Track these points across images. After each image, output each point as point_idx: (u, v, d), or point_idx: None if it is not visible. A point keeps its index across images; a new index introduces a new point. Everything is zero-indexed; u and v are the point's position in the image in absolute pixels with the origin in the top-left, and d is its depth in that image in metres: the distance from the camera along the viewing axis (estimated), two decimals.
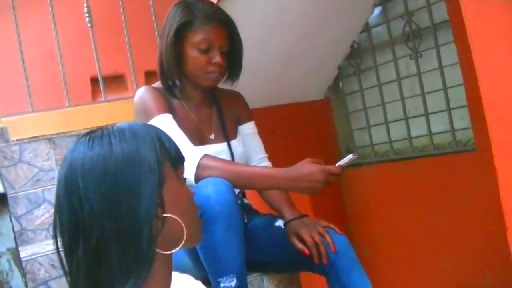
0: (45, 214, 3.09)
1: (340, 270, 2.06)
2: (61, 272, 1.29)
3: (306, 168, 2.02)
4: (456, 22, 3.15)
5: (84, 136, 1.19)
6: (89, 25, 3.72)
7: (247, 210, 2.35)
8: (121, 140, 1.15)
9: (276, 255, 2.25)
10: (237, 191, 2.22)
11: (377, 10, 3.73)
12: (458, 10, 3.08)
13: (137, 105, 2.25)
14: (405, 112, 3.65)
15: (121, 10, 3.86)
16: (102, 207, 1.10)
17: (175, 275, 1.26)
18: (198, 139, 2.23)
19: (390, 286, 3.61)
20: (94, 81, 4.30)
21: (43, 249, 2.69)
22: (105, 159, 1.12)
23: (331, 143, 4.11)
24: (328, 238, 2.09)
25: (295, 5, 3.29)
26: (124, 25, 3.84)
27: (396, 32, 3.63)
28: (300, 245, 2.10)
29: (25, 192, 3.10)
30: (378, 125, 3.87)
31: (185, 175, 1.26)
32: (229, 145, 2.31)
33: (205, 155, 2.08)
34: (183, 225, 1.17)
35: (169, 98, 2.27)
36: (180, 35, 2.22)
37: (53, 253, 2.60)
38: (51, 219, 3.02)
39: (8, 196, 2.88)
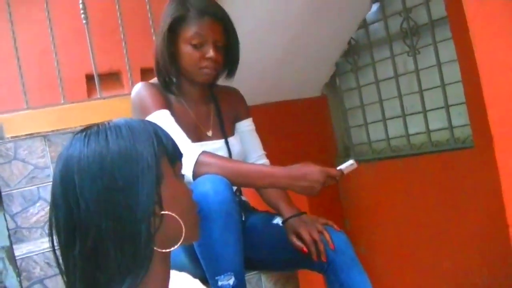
0: (40, 212, 3.07)
1: (339, 268, 2.05)
2: (56, 270, 1.27)
3: (306, 167, 2.01)
4: (454, 18, 3.14)
5: (80, 132, 1.16)
6: (84, 21, 3.70)
7: (244, 207, 2.33)
8: (117, 136, 1.13)
9: (274, 253, 2.23)
10: (234, 188, 2.20)
11: (375, 7, 3.72)
12: (456, 7, 3.08)
13: (134, 101, 2.22)
14: (402, 109, 3.64)
15: (117, 6, 3.83)
16: (99, 205, 1.08)
17: (173, 273, 1.24)
18: (196, 135, 2.21)
19: (387, 284, 3.60)
20: (89, 78, 4.28)
21: (38, 247, 2.67)
22: (101, 156, 1.10)
23: (328, 140, 4.10)
24: (326, 235, 2.08)
25: (292, 2, 3.27)
26: (119, 21, 3.81)
27: (393, 28, 3.62)
28: (298, 243, 2.09)
29: (20, 189, 3.07)
30: (376, 122, 3.86)
31: (183, 172, 1.24)
32: (226, 142, 2.29)
33: (204, 152, 2.06)
34: (181, 223, 1.15)
35: (166, 94, 2.25)
36: (174, 30, 2.20)
37: (48, 251, 2.57)
38: (47, 217, 3.00)
39: (3, 193, 2.85)
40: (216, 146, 2.25)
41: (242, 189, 2.41)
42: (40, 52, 4.09)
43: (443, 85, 3.35)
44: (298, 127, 3.90)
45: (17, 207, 3.05)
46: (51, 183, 1.14)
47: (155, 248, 1.11)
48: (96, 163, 1.10)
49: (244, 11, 2.99)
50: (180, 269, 1.36)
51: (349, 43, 3.86)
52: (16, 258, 2.27)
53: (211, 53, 2.17)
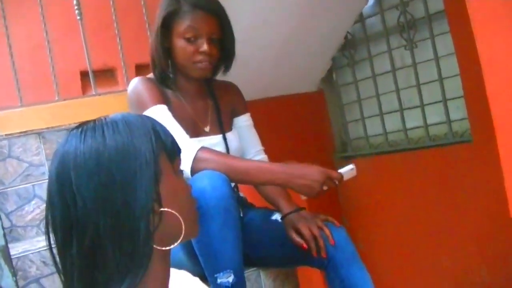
0: (35, 210, 3.04)
1: (339, 264, 2.02)
2: (53, 269, 1.25)
3: (306, 166, 1.98)
4: (451, 12, 3.13)
5: (76, 128, 1.14)
6: (78, 17, 3.67)
7: (242, 203, 2.30)
8: (114, 131, 1.10)
9: (273, 250, 2.21)
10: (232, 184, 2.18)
11: (371, 1, 3.71)
12: (454, 0, 3.07)
13: (131, 97, 2.20)
14: (400, 104, 3.62)
15: (111, 2, 3.81)
16: (96, 202, 1.05)
17: (172, 271, 1.22)
18: (193, 131, 2.18)
19: (386, 281, 3.58)
20: (84, 75, 4.25)
21: (34, 246, 2.65)
22: (98, 152, 1.08)
23: (325, 135, 4.08)
24: (326, 231, 2.05)
25: None
26: (114, 17, 3.79)
27: (390, 22, 3.61)
28: (298, 239, 2.06)
29: (14, 187, 3.05)
30: (373, 116, 3.84)
31: (181, 168, 1.22)
32: (224, 137, 2.26)
33: (202, 148, 2.03)
34: (181, 220, 1.12)
35: (163, 89, 2.22)
36: (167, 25, 2.18)
37: (44, 250, 2.55)
38: (42, 215, 3.00)
39: None
40: (214, 141, 2.22)
41: (240, 185, 2.38)
42: (33, 48, 4.07)
43: (440, 79, 3.34)
44: (295, 122, 3.89)
45: (12, 205, 3.02)
46: (46, 180, 1.12)
47: (154, 246, 1.09)
48: (92, 159, 1.07)
49: (240, 5, 2.97)
50: (177, 266, 1.34)
51: (346, 37, 3.84)
52: (12, 257, 2.25)
53: (205, 46, 2.15)
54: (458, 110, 3.32)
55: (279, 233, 2.13)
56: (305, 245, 2.04)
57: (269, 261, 2.29)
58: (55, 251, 1.10)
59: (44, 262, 2.55)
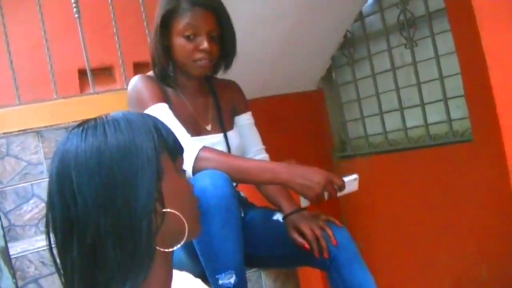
0: (34, 209, 3.03)
1: (341, 265, 2.00)
2: (52, 269, 1.24)
3: (308, 167, 1.95)
4: (452, 10, 3.13)
5: (77, 127, 1.12)
6: (76, 15, 3.66)
7: (243, 203, 2.28)
8: (116, 130, 1.08)
9: (274, 250, 2.19)
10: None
11: None
12: None
13: (131, 95, 2.17)
14: (400, 103, 3.61)
15: (109, 0, 3.80)
16: (97, 202, 1.03)
17: (174, 273, 1.20)
18: (194, 129, 2.16)
19: (386, 279, 3.57)
20: (82, 73, 4.24)
21: (32, 245, 2.63)
22: (99, 151, 1.06)
23: (324, 134, 4.08)
24: (328, 231, 2.03)
25: None
26: (112, 15, 3.78)
27: (390, 21, 3.60)
28: (299, 239, 2.04)
29: (13, 186, 3.03)
30: (373, 116, 3.83)
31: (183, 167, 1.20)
32: (225, 136, 2.24)
33: (204, 147, 2.01)
34: (184, 220, 1.10)
35: (163, 87, 2.20)
36: (166, 23, 2.16)
37: (43, 250, 2.54)
38: (41, 214, 2.99)
39: None
40: (215, 140, 2.20)
41: (240, 185, 2.36)
42: (32, 47, 4.06)
43: (441, 78, 3.33)
44: (294, 121, 3.88)
45: (10, 204, 3.01)
46: (45, 179, 1.11)
47: (156, 247, 1.07)
48: (94, 158, 1.05)
49: (238, 3, 2.95)
50: (179, 266, 1.32)
51: (345, 36, 3.83)
52: (10, 257, 2.23)
53: (204, 44, 2.13)
54: (458, 109, 3.31)
55: (280, 233, 2.11)
56: (307, 246, 2.02)
57: (270, 261, 2.27)
58: (55, 251, 1.09)
59: (42, 262, 2.53)
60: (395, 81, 3.61)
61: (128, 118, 1.11)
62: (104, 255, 1.03)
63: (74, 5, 3.65)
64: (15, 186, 3.04)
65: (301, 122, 3.92)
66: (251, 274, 2.40)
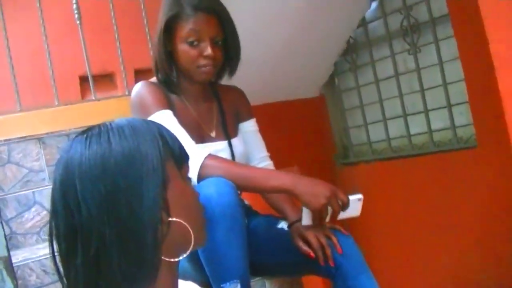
0: (35, 217, 3.01)
1: (347, 273, 1.98)
2: (54, 278, 1.22)
3: (314, 178, 1.93)
4: (456, 16, 3.12)
5: (81, 134, 1.11)
6: (78, 22, 3.64)
7: (247, 211, 2.26)
8: (120, 137, 1.07)
9: (279, 258, 2.16)
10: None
11: (374, 5, 3.69)
12: (458, 4, 3.06)
13: (134, 101, 2.15)
14: (403, 109, 3.59)
15: (110, 6, 3.79)
16: (102, 211, 1.02)
17: (180, 283, 1.18)
18: (199, 136, 2.14)
19: (388, 285, 3.55)
20: (83, 79, 4.24)
21: (34, 253, 2.61)
22: (103, 158, 1.04)
23: (327, 141, 4.06)
24: (334, 239, 2.01)
25: (289, 0, 3.21)
26: (113, 22, 3.77)
27: (393, 26, 3.59)
28: (305, 248, 2.02)
29: (14, 194, 3.01)
30: (376, 122, 3.81)
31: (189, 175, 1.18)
32: (229, 143, 2.22)
33: (210, 155, 1.99)
34: (190, 230, 1.08)
35: (167, 93, 2.18)
36: (169, 29, 2.14)
37: (45, 258, 2.51)
38: (42, 222, 2.97)
39: None
40: (219, 147, 2.18)
41: (244, 193, 2.33)
42: (32, 52, 4.05)
43: (445, 84, 3.31)
44: (296, 128, 3.87)
45: (12, 212, 2.99)
46: (47, 187, 1.09)
47: (162, 257, 1.05)
48: (98, 166, 1.04)
49: (240, 10, 2.93)
50: (183, 275, 1.30)
51: (348, 41, 3.82)
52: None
53: (208, 50, 2.10)
54: (462, 116, 3.30)
55: (285, 241, 2.09)
56: (312, 254, 2.00)
57: (274, 269, 2.25)
58: (58, 259, 1.07)
59: (44, 271, 2.51)
60: (399, 87, 3.60)
61: (133, 125, 1.10)
62: (108, 264, 1.01)
63: (75, 11, 3.65)
64: (17, 193, 3.02)
65: (303, 129, 3.91)
66: (255, 283, 2.37)
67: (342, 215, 1.95)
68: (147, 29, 3.78)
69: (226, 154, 2.17)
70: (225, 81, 2.34)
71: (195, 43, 2.11)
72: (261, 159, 2.32)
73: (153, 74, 2.24)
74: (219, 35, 2.14)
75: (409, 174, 3.58)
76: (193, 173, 1.93)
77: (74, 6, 3.65)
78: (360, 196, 2.00)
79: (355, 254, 2.02)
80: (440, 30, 3.31)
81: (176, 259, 1.09)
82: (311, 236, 2.01)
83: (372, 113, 3.84)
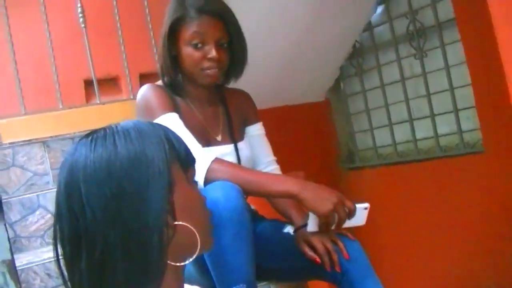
0: (40, 220, 3.00)
1: (354, 279, 1.96)
2: (58, 282, 1.21)
3: (321, 185, 1.91)
4: (462, 20, 3.11)
5: (86, 136, 1.10)
6: (82, 25, 3.65)
7: (253, 216, 2.24)
8: (126, 140, 1.06)
9: (285, 263, 2.15)
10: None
11: (380, 9, 3.68)
12: (465, 8, 3.04)
13: (140, 104, 2.14)
14: (409, 114, 3.57)
15: (115, 10, 3.79)
16: (106, 214, 1.01)
17: (185, 287, 1.16)
18: (204, 140, 2.13)
19: None
20: (88, 83, 4.24)
21: (38, 257, 2.61)
22: (109, 161, 1.04)
23: (332, 146, 4.05)
24: (340, 244, 1.99)
25: (294, 4, 3.22)
26: (118, 26, 3.77)
27: (399, 31, 3.58)
28: (310, 253, 2.00)
29: (18, 197, 3.01)
30: (382, 127, 3.80)
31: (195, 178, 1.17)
32: (235, 147, 2.21)
33: (216, 159, 1.97)
34: (196, 233, 1.07)
35: (173, 96, 2.17)
36: (174, 33, 2.13)
37: (49, 261, 2.51)
38: (47, 226, 2.96)
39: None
40: (225, 151, 2.17)
41: (249, 198, 2.32)
42: (37, 57, 4.05)
43: (451, 88, 3.29)
44: (301, 132, 3.85)
45: (16, 215, 2.99)
46: (51, 190, 1.08)
47: (168, 261, 1.04)
48: (103, 169, 1.03)
49: (245, 12, 2.93)
50: (189, 280, 1.29)
51: (354, 46, 3.81)
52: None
53: (213, 52, 2.09)
54: (468, 121, 3.28)
55: (291, 246, 2.07)
56: (318, 259, 1.98)
57: (280, 274, 2.23)
58: (62, 263, 1.06)
59: (48, 274, 2.50)
60: (405, 92, 3.58)
61: (139, 128, 1.09)
62: (113, 268, 1.00)
63: (80, 15, 3.65)
64: (21, 196, 3.02)
65: (308, 133, 3.90)
66: None
67: (347, 224, 1.94)
68: (152, 33, 3.78)
69: (232, 158, 2.16)
70: (231, 84, 2.32)
71: (199, 45, 2.10)
72: (268, 163, 2.30)
73: (158, 78, 2.23)
74: (224, 38, 2.12)
75: (415, 179, 3.55)
76: (199, 177, 1.91)
77: (79, 10, 3.67)
78: (366, 205, 1.98)
79: (361, 259, 2.00)
80: (446, 35, 3.30)
81: (182, 263, 1.08)
82: (317, 241, 1.99)
83: (378, 118, 3.82)
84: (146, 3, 3.83)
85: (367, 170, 3.89)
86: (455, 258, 3.34)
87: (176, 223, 1.05)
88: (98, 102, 3.73)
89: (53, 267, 2.24)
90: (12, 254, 1.87)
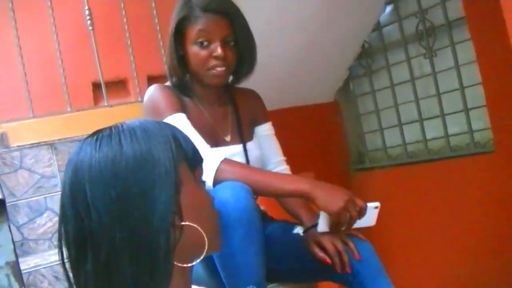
0: (47, 223, 3.00)
1: (365, 280, 1.94)
2: (65, 284, 1.19)
3: (332, 184, 1.89)
4: (473, 18, 3.09)
5: (91, 136, 1.08)
6: (90, 28, 3.64)
7: (262, 217, 2.22)
8: (132, 139, 1.04)
9: (294, 264, 2.12)
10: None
11: (389, 9, 3.66)
12: (475, 6, 3.02)
13: (147, 105, 2.12)
14: (419, 114, 3.55)
15: (123, 12, 3.78)
16: (112, 215, 0.99)
17: None
18: (213, 140, 2.11)
19: None
20: (96, 86, 4.24)
21: (46, 260, 2.60)
22: (114, 161, 1.02)
23: (341, 146, 4.04)
24: (351, 245, 1.97)
25: (303, 5, 3.21)
26: (126, 28, 3.77)
27: (408, 30, 3.56)
28: (321, 254, 1.97)
29: (26, 199, 3.00)
30: (391, 127, 3.78)
31: (203, 178, 1.14)
32: (244, 147, 2.18)
33: (225, 159, 1.95)
34: (203, 234, 1.05)
35: (181, 96, 2.15)
36: (180, 32, 2.11)
37: (57, 264, 2.50)
38: (54, 228, 2.96)
39: (9, 204, 2.79)
40: (234, 151, 2.14)
41: (258, 199, 2.30)
42: (45, 59, 4.05)
43: (461, 88, 3.27)
44: (310, 133, 3.84)
45: (24, 218, 2.98)
46: (58, 192, 1.06)
47: (174, 262, 1.02)
48: (108, 169, 1.01)
49: (253, 15, 2.91)
50: (197, 282, 1.27)
51: (363, 46, 3.80)
52: (23, 271, 2.18)
53: (218, 50, 2.06)
54: (479, 120, 3.25)
55: (301, 247, 2.05)
56: (328, 260, 1.96)
57: (290, 276, 2.21)
58: (68, 266, 1.05)
59: (56, 277, 2.50)
60: (414, 92, 3.56)
61: (145, 127, 1.07)
62: (119, 271, 0.99)
63: (87, 17, 3.65)
64: (29, 199, 3.02)
65: (317, 134, 3.88)
66: None
67: (358, 224, 1.92)
68: (160, 35, 3.78)
69: (240, 158, 2.14)
70: (241, 84, 2.30)
71: (205, 43, 2.07)
72: (277, 163, 2.28)
73: (166, 80, 2.21)
74: (230, 36, 2.10)
75: (425, 180, 3.53)
76: (208, 178, 1.89)
77: (86, 12, 3.65)
78: (377, 204, 1.96)
79: (372, 260, 1.97)
80: (456, 33, 3.28)
81: (189, 265, 1.06)
82: (327, 241, 1.97)
83: (387, 118, 3.81)
84: (153, 5, 3.82)
85: (377, 171, 3.87)
86: (467, 258, 3.32)
87: (183, 223, 1.03)
88: (106, 104, 3.73)
89: (61, 270, 2.23)
90: (16, 255, 1.86)
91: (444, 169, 3.43)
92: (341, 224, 1.92)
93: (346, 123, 4.06)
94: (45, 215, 3.01)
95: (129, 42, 3.79)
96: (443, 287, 3.49)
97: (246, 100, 2.29)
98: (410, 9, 3.53)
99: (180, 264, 1.03)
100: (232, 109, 2.25)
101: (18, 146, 3.16)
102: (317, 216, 1.96)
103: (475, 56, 3.13)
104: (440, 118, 3.44)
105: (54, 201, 2.99)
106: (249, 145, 2.21)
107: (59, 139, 3.23)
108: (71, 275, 1.04)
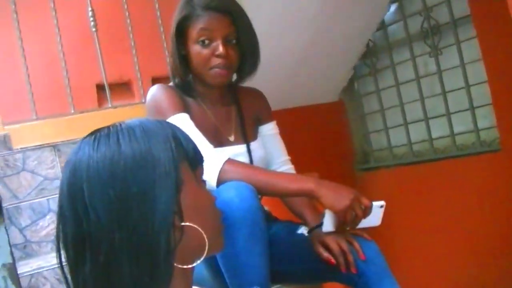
0: (50, 225, 2.99)
1: (370, 280, 1.91)
2: None
3: (337, 183, 1.87)
4: (478, 16, 3.08)
5: (89, 135, 1.06)
6: (94, 29, 3.64)
7: (266, 217, 2.20)
8: (131, 139, 1.02)
9: (299, 265, 2.10)
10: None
11: (393, 7, 3.64)
12: (480, 4, 3.00)
13: (150, 104, 2.10)
14: (425, 113, 3.53)
15: (126, 14, 3.78)
16: (111, 216, 0.97)
17: None
18: (217, 140, 2.09)
19: None
20: (100, 88, 4.24)
21: (48, 262, 2.59)
22: (112, 161, 1.00)
23: (346, 146, 4.03)
24: (356, 245, 1.94)
25: (307, 3, 3.20)
26: (129, 29, 3.76)
27: (413, 29, 3.55)
28: (326, 254, 1.95)
29: (29, 201, 2.99)
30: (396, 126, 3.76)
31: (205, 179, 1.12)
32: (248, 147, 2.16)
33: (229, 160, 1.94)
34: (204, 235, 1.03)
35: (184, 96, 2.13)
36: (182, 32, 2.10)
37: (59, 266, 2.47)
38: None
39: (11, 206, 2.78)
40: (238, 151, 2.12)
41: (263, 199, 2.28)
42: (49, 61, 4.05)
43: (467, 86, 3.25)
44: (315, 133, 3.83)
45: (26, 220, 2.97)
46: None
47: (175, 264, 1.00)
48: (106, 169, 1.00)
49: (257, 14, 2.90)
50: (200, 283, 1.25)
51: (367, 45, 3.78)
52: (25, 274, 2.17)
53: (220, 49, 2.04)
54: (485, 119, 3.24)
55: (305, 247, 2.03)
56: (333, 261, 1.94)
57: (294, 276, 2.19)
58: (66, 268, 1.03)
59: (58, 280, 2.49)
60: (420, 91, 3.54)
61: (144, 126, 1.06)
62: (119, 272, 0.97)
63: (91, 19, 3.64)
64: (31, 201, 3.01)
65: (322, 134, 3.87)
66: None
67: (363, 224, 1.90)
68: (163, 37, 3.78)
69: (244, 158, 2.12)
70: (245, 83, 2.28)
71: (207, 42, 2.05)
72: (282, 163, 2.26)
73: (170, 82, 2.20)
74: (232, 34, 2.08)
75: (431, 179, 3.52)
76: (212, 178, 1.88)
77: (90, 14, 3.65)
78: (382, 202, 1.94)
79: (378, 260, 1.95)
80: (461, 32, 3.26)
81: (190, 266, 1.04)
82: (332, 241, 1.95)
83: (392, 117, 3.79)
84: (157, 6, 3.82)
85: (382, 171, 3.85)
86: (473, 257, 3.31)
87: (183, 224, 1.02)
88: (110, 106, 3.72)
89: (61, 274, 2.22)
90: (13, 257, 1.84)
91: (450, 168, 3.41)
92: (346, 223, 1.90)
93: (351, 122, 4.05)
94: (48, 217, 3.00)
95: (133, 44, 3.79)
96: (449, 283, 3.46)
97: (250, 99, 2.27)
98: (415, 7, 3.52)
99: (180, 265, 1.02)
100: (235, 109, 2.23)
101: (21, 148, 3.16)
102: (322, 216, 1.94)
103: (480, 54, 3.11)
104: (445, 117, 3.42)
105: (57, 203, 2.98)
106: (253, 145, 2.19)
107: (62, 141, 3.23)
108: (69, 277, 1.02)
